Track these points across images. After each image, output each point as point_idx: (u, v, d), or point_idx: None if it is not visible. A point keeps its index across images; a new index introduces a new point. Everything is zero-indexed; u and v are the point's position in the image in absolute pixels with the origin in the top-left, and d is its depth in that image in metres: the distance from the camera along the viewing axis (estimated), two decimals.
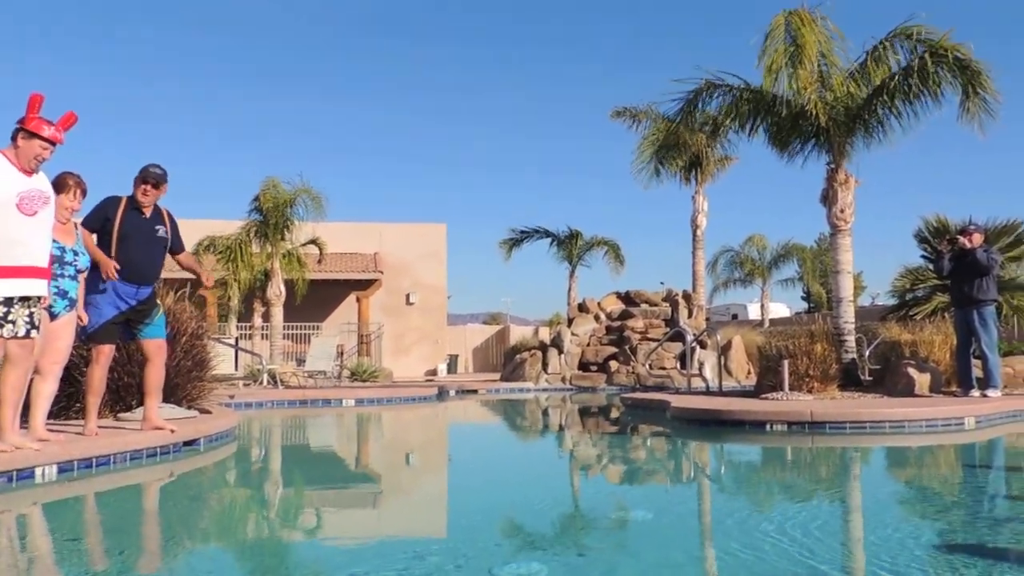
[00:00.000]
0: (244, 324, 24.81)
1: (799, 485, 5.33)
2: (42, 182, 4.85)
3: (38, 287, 4.78)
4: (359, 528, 4.14)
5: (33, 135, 4.71)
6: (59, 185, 5.36)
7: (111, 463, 5.39)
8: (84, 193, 5.56)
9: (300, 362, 20.42)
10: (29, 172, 4.74)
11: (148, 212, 6.16)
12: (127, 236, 6.03)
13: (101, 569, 3.00)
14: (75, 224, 5.73)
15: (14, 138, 4.73)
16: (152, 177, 6.09)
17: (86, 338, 5.95)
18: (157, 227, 6.20)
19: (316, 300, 24.95)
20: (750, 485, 5.37)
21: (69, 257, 5.48)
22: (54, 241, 5.19)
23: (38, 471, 4.77)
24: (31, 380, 5.16)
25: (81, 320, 5.72)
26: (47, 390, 5.39)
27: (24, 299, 4.71)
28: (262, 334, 23.19)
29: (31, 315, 4.77)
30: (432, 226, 29.57)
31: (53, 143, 4.79)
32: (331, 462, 7.22)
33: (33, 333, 4.81)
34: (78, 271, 5.58)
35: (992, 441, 7.42)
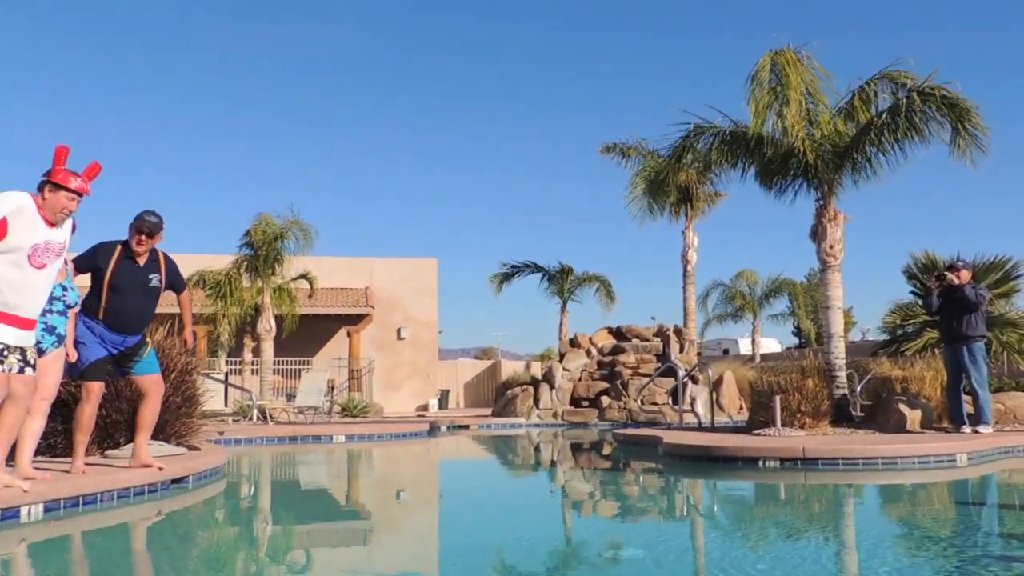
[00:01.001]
0: (234, 359, 24.69)
1: (793, 523, 5.30)
2: (62, 232, 4.86)
3: (25, 338, 4.76)
4: (349, 567, 4.09)
5: (60, 187, 4.72)
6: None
7: (98, 501, 5.32)
8: (72, 229, 5.54)
9: (290, 397, 20.30)
10: (53, 224, 4.75)
11: (142, 261, 6.05)
12: (119, 286, 5.92)
13: None
14: (66, 261, 5.70)
15: (41, 189, 4.73)
16: (147, 226, 5.96)
17: (77, 376, 5.90)
18: (151, 276, 6.08)
19: (307, 335, 24.88)
20: (744, 522, 5.34)
21: (58, 292, 5.45)
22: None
23: (23, 510, 4.71)
24: None
25: (70, 357, 5.68)
26: (35, 427, 5.33)
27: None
28: (252, 369, 23.06)
29: (23, 353, 4.75)
30: (423, 261, 29.61)
31: (80, 194, 4.81)
32: (321, 500, 7.14)
33: (28, 371, 4.78)
34: (67, 307, 5.55)
35: (985, 478, 7.41)
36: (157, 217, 6.06)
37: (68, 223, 4.90)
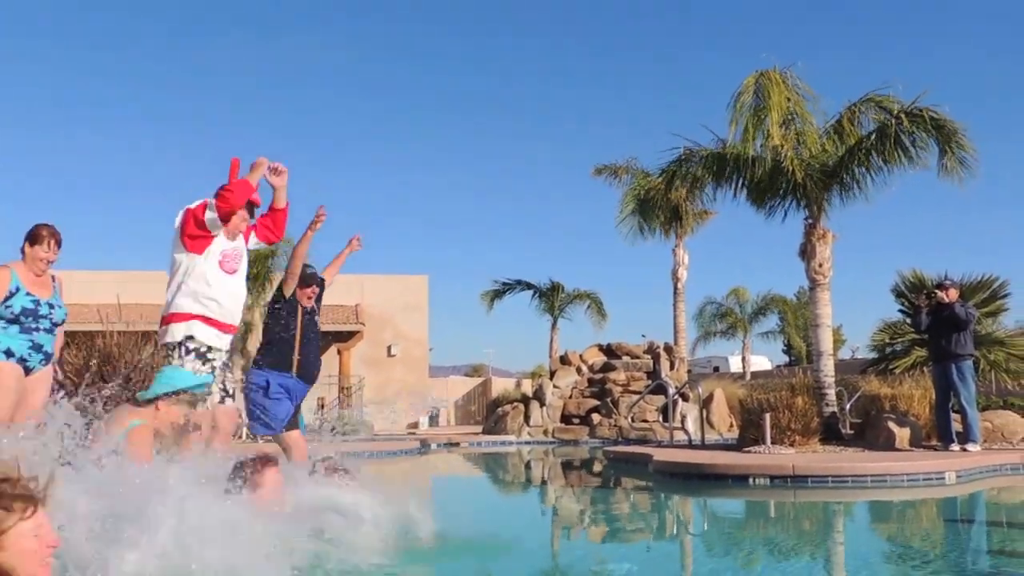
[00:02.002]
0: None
1: (782, 540, 5.32)
2: (241, 241, 5.03)
3: (223, 341, 4.87)
4: None
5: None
6: (33, 237, 5.35)
7: None
8: (59, 244, 5.48)
9: None
10: (233, 237, 4.91)
11: (309, 306, 6.30)
12: (307, 339, 6.19)
13: None
14: (52, 276, 5.67)
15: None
16: (314, 280, 6.24)
17: (280, 431, 6.03)
18: (317, 319, 6.43)
19: None
20: (733, 540, 5.35)
21: (44, 311, 5.39)
22: (27, 294, 5.18)
23: None
24: None
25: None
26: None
27: (209, 352, 4.77)
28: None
29: (224, 382, 4.85)
30: (414, 278, 29.60)
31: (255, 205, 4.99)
32: None
33: (228, 401, 4.85)
34: (54, 324, 5.51)
35: (973, 496, 7.45)
36: (312, 268, 6.33)
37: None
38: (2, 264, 5.35)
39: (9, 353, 5.16)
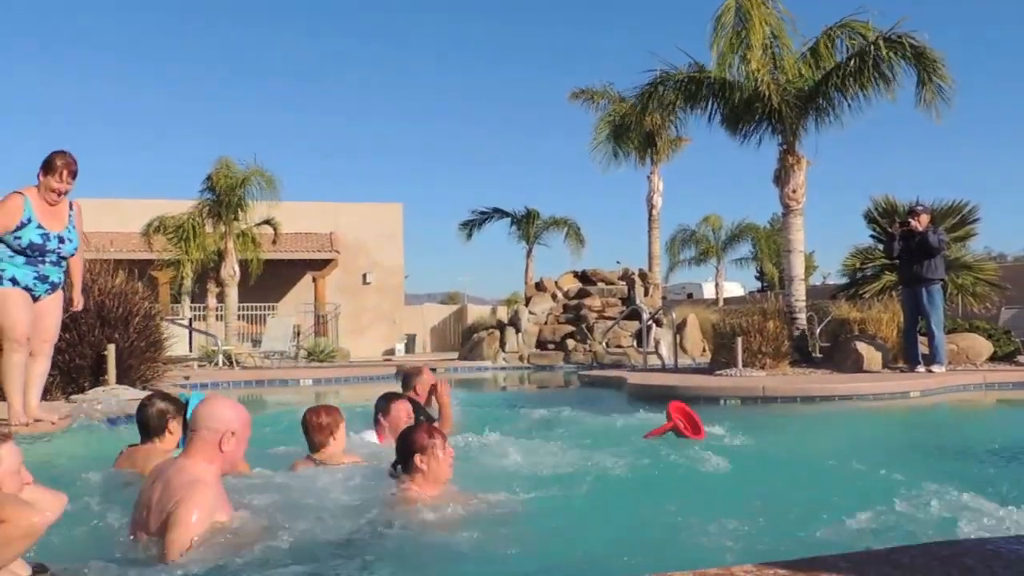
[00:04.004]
0: (198, 305, 24.45)
1: (745, 448, 5.42)
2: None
3: None
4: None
5: None
6: (47, 166, 5.18)
7: None
8: (73, 175, 5.30)
9: (256, 343, 20.23)
10: None
11: None
12: None
13: None
14: (68, 205, 5.44)
15: None
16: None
17: None
18: None
19: (272, 281, 24.68)
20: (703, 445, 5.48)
21: (53, 244, 5.29)
22: (38, 227, 5.09)
23: None
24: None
25: (74, 304, 5.65)
26: (39, 369, 5.36)
27: None
28: (217, 315, 22.89)
29: None
30: (388, 206, 29.40)
31: None
32: (292, 440, 7.18)
33: None
34: (60, 257, 5.39)
35: (935, 406, 7.69)
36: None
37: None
38: (17, 191, 5.25)
39: (15, 281, 5.21)
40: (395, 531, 2.98)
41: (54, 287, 5.39)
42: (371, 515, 3.11)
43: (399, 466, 3.43)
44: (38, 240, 5.15)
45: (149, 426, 3.88)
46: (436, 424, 4.88)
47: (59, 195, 5.31)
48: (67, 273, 5.59)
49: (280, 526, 2.90)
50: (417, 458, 3.33)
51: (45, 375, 5.47)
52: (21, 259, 5.17)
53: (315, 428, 4.15)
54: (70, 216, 5.46)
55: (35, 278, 5.22)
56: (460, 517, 3.17)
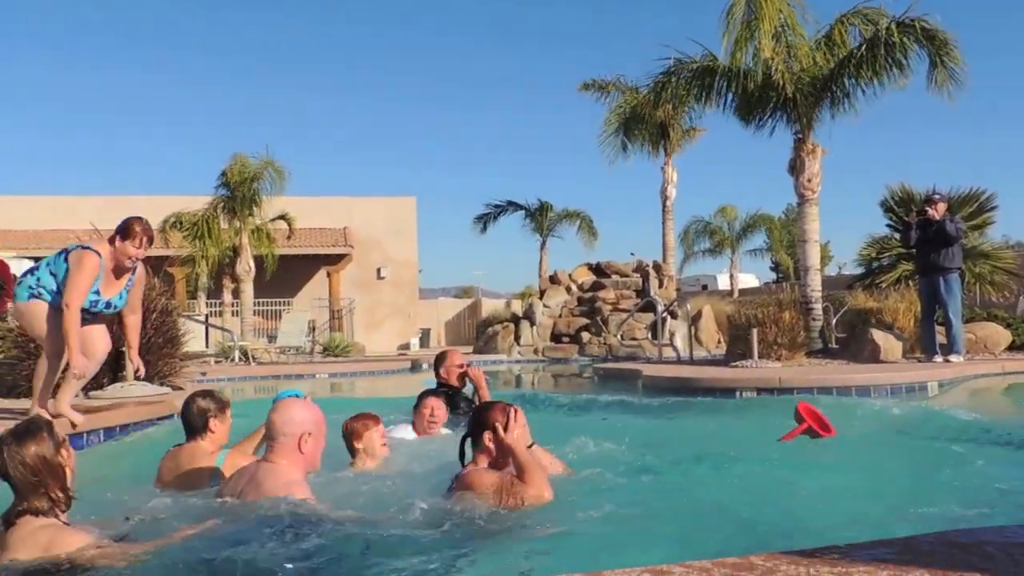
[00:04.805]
0: (214, 301, 24.57)
1: (760, 438, 5.41)
2: None
3: None
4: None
5: None
6: (125, 230, 5.11)
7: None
8: (151, 241, 5.25)
9: (272, 338, 20.33)
10: None
11: None
12: None
13: None
14: (133, 271, 5.31)
15: None
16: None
17: None
18: None
19: (286, 276, 24.77)
20: (718, 438, 5.48)
21: (99, 308, 5.23)
22: (95, 292, 5.07)
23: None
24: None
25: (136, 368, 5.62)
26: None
27: None
28: (232, 311, 23.00)
29: None
30: (402, 199, 29.42)
31: None
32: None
33: None
34: (94, 315, 5.28)
35: (955, 403, 7.62)
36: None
37: None
38: (93, 249, 5.11)
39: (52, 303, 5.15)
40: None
41: (93, 319, 5.31)
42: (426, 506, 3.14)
43: (469, 439, 3.57)
44: (86, 304, 5.07)
45: (192, 425, 3.91)
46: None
47: (135, 261, 5.24)
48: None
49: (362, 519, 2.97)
50: (486, 436, 3.47)
51: (80, 385, 5.44)
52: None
53: (352, 435, 4.23)
54: (129, 280, 5.34)
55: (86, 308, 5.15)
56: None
